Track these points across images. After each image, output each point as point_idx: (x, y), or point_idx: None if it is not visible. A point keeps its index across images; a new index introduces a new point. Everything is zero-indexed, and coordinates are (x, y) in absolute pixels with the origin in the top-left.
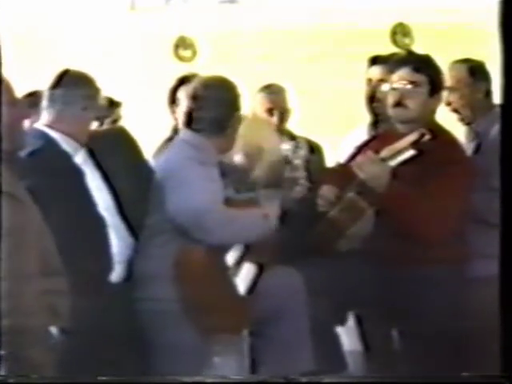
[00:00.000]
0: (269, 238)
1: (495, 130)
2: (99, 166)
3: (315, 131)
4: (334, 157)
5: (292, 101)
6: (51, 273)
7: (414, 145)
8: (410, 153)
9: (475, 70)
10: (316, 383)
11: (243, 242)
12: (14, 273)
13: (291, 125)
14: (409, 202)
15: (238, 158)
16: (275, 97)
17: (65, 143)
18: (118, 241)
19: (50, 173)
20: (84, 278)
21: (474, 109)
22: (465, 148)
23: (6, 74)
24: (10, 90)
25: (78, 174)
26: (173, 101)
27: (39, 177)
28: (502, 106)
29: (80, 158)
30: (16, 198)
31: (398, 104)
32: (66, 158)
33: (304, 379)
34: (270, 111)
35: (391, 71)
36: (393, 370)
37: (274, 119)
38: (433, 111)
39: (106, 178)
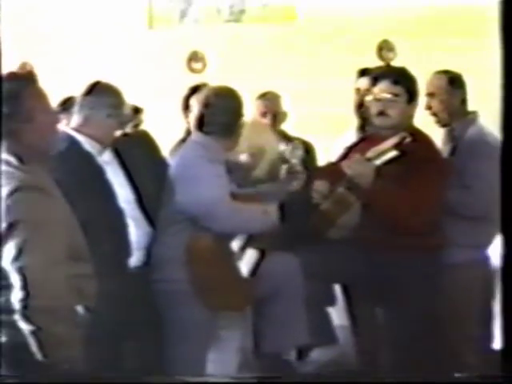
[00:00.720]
0: (268, 231)
1: (469, 133)
2: (123, 164)
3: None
4: (325, 156)
5: (285, 106)
6: (78, 258)
7: (396, 147)
8: (393, 153)
9: (454, 80)
10: (316, 383)
11: (246, 232)
12: (41, 259)
13: (289, 127)
14: (391, 197)
15: (243, 157)
16: (268, 102)
17: (88, 145)
18: (137, 230)
19: (74, 171)
20: (108, 263)
21: (451, 113)
22: (442, 150)
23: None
24: (44, 98)
25: (98, 172)
26: (186, 107)
27: (64, 174)
28: (502, 106)
29: (106, 157)
30: (47, 191)
31: (381, 113)
32: (89, 158)
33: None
34: (264, 114)
35: (373, 84)
36: (376, 343)
37: (267, 121)
38: (411, 116)
39: (129, 175)
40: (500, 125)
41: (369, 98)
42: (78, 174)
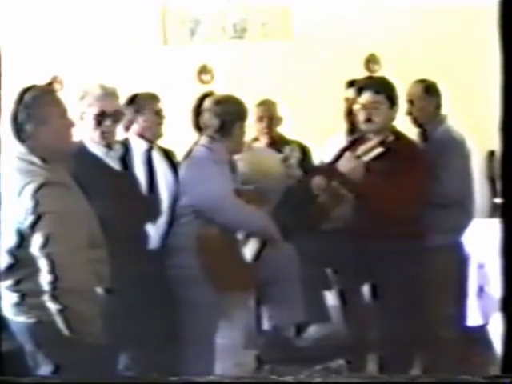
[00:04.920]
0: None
1: (439, 131)
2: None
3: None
4: (317, 155)
5: (280, 111)
6: (96, 245)
7: (381, 144)
8: (379, 150)
9: (429, 88)
10: (320, 383)
11: (244, 228)
12: (67, 246)
13: (288, 131)
14: (379, 190)
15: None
16: (265, 109)
17: (94, 148)
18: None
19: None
20: (129, 251)
21: (427, 118)
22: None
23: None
24: (60, 104)
25: (105, 171)
26: (197, 114)
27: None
28: (503, 105)
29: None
30: (68, 186)
31: (367, 120)
32: (96, 158)
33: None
34: (261, 119)
35: (358, 94)
36: (363, 320)
37: (263, 125)
38: (393, 119)
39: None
40: (500, 125)
41: (356, 106)
42: (87, 174)
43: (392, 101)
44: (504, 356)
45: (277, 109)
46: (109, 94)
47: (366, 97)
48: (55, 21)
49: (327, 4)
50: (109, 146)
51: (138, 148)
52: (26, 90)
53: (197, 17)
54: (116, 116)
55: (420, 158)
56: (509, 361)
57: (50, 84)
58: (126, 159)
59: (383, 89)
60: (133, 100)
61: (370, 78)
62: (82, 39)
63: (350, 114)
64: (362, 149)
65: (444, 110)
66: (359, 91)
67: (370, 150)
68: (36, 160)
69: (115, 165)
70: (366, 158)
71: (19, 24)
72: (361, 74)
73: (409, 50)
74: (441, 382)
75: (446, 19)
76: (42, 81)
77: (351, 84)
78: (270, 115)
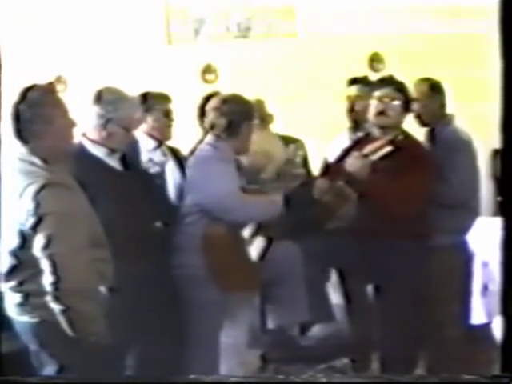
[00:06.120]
0: (275, 219)
1: (446, 132)
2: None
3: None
4: (321, 154)
5: (270, 109)
6: (98, 245)
7: (391, 143)
8: (388, 149)
9: (434, 87)
10: (322, 383)
11: (255, 221)
12: (68, 246)
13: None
14: (384, 188)
15: (251, 160)
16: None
17: (95, 149)
18: None
19: (85, 173)
20: (134, 249)
21: (431, 116)
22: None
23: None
24: (62, 104)
25: (106, 172)
26: (202, 113)
27: (78, 176)
28: (502, 104)
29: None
30: (69, 187)
31: (381, 113)
32: (98, 160)
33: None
34: None
35: (376, 88)
36: (367, 319)
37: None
38: (401, 123)
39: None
40: (500, 125)
41: (372, 102)
42: (89, 176)
43: (407, 104)
44: (503, 355)
45: (265, 107)
46: (128, 101)
47: (386, 90)
48: (58, 21)
49: (331, 3)
50: (113, 149)
51: (146, 146)
52: (28, 90)
53: (201, 16)
54: (135, 124)
55: (426, 157)
56: (508, 360)
57: (52, 83)
58: (126, 159)
59: (403, 90)
60: (143, 98)
61: (391, 76)
62: (85, 39)
63: (352, 111)
64: (369, 148)
65: (448, 109)
66: (376, 86)
67: (379, 148)
68: (37, 161)
69: (116, 165)
70: (374, 157)
71: (23, 23)
72: (364, 72)
73: (411, 49)
74: (442, 382)
75: (447, 19)
76: (45, 80)
77: (353, 82)
78: (260, 113)
